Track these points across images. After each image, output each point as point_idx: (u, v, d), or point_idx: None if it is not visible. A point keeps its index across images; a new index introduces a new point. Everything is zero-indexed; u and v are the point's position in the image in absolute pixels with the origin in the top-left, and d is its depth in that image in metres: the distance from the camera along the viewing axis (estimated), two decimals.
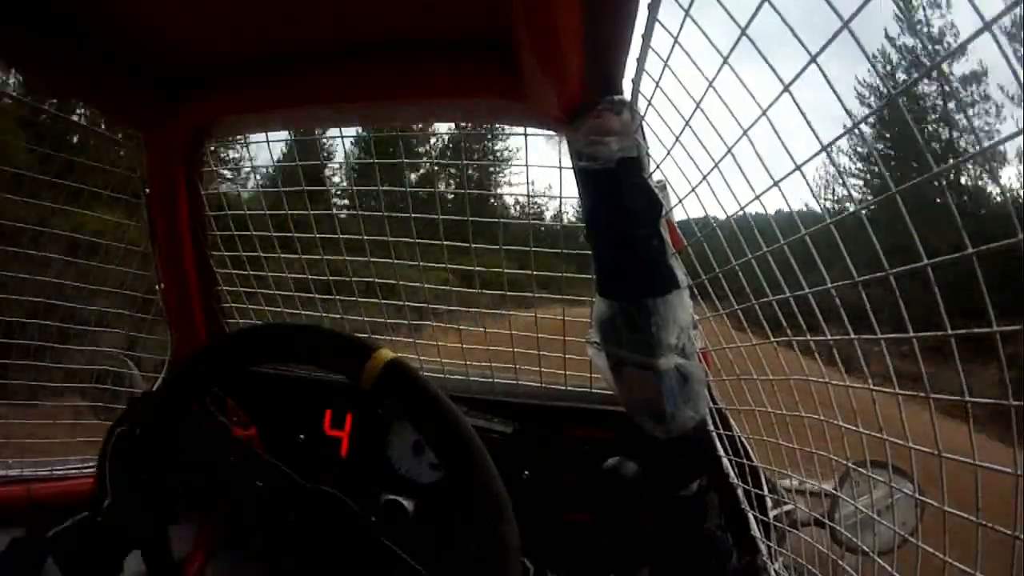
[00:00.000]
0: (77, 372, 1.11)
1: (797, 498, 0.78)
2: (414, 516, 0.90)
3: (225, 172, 1.00)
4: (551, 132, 0.77)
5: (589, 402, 0.94)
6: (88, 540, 0.69)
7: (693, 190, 0.64)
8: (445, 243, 0.93)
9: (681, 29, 0.53)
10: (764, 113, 0.51)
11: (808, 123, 0.47)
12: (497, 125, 0.98)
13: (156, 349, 1.10)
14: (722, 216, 0.63)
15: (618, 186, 0.68)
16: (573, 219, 0.87)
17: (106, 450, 0.70)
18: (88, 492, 0.74)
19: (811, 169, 0.50)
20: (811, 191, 0.50)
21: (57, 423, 1.09)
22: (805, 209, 0.61)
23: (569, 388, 0.96)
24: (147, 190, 0.99)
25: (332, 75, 0.80)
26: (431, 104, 0.82)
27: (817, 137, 0.46)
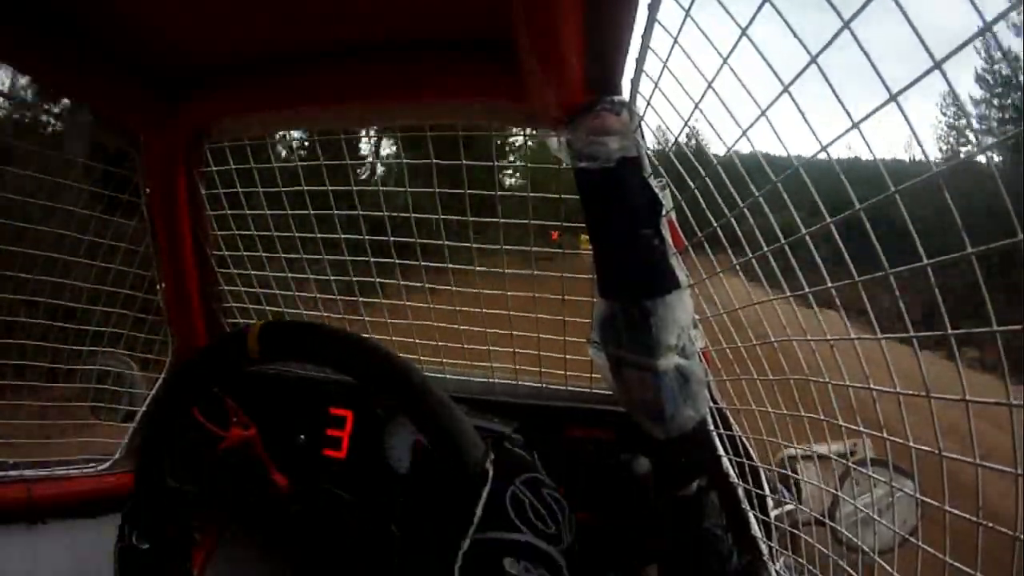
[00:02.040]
0: (77, 372, 1.11)
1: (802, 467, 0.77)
2: (412, 515, 0.89)
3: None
4: (551, 132, 0.77)
5: (589, 402, 0.94)
6: None
7: (695, 189, 0.64)
8: (446, 243, 0.93)
9: (681, 29, 0.53)
10: (763, 113, 0.51)
11: (807, 123, 0.47)
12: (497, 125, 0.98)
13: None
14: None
15: (618, 186, 0.68)
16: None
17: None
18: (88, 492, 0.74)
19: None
20: (811, 190, 0.50)
21: (57, 423, 1.09)
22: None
23: (569, 388, 0.96)
24: (147, 190, 0.99)
25: (332, 75, 0.80)
26: (431, 104, 0.82)
27: (817, 137, 0.47)
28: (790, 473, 0.77)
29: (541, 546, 0.57)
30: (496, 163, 0.86)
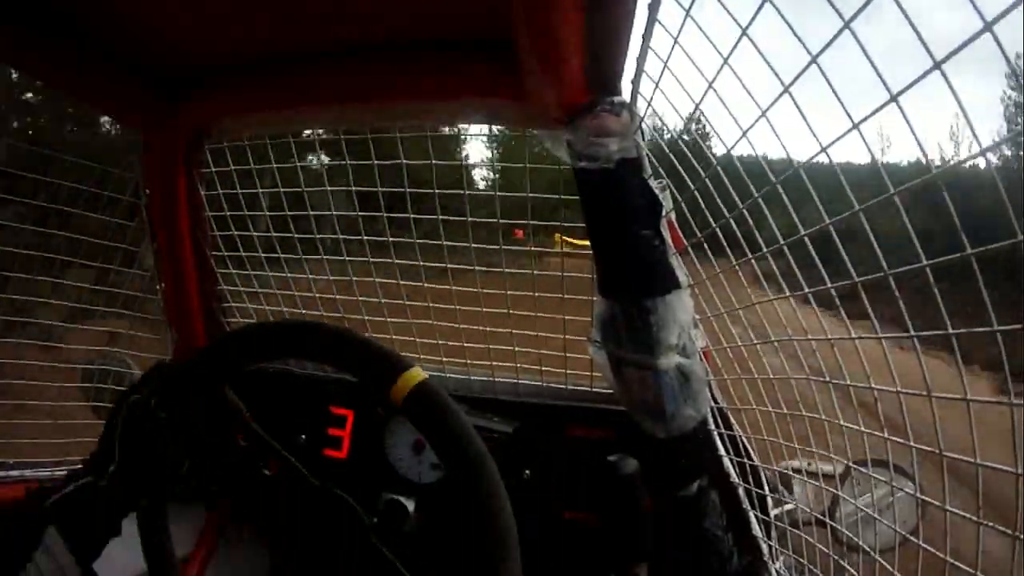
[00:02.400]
0: (78, 372, 1.12)
1: (798, 483, 0.77)
2: (414, 515, 0.90)
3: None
4: (551, 132, 0.77)
5: (590, 401, 0.94)
6: (90, 506, 0.69)
7: (695, 189, 0.65)
8: (445, 243, 0.93)
9: (681, 29, 0.53)
10: (763, 114, 0.51)
11: (807, 123, 0.47)
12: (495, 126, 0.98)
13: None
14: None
15: (618, 186, 0.68)
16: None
17: (116, 416, 0.70)
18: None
19: None
20: (811, 190, 0.51)
21: (57, 423, 1.09)
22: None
23: (570, 387, 0.96)
24: (147, 190, 0.99)
25: (332, 75, 0.80)
26: (430, 104, 0.82)
27: (817, 138, 0.47)
28: (791, 474, 0.77)
29: None
30: (495, 163, 0.86)
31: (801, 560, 0.69)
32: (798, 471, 0.74)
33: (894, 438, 0.52)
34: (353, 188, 0.99)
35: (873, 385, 0.51)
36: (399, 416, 0.95)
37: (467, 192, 0.89)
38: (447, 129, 0.93)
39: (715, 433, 0.81)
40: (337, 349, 0.62)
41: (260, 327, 0.66)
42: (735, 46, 0.50)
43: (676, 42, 0.54)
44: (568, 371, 0.95)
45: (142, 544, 0.66)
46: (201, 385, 0.66)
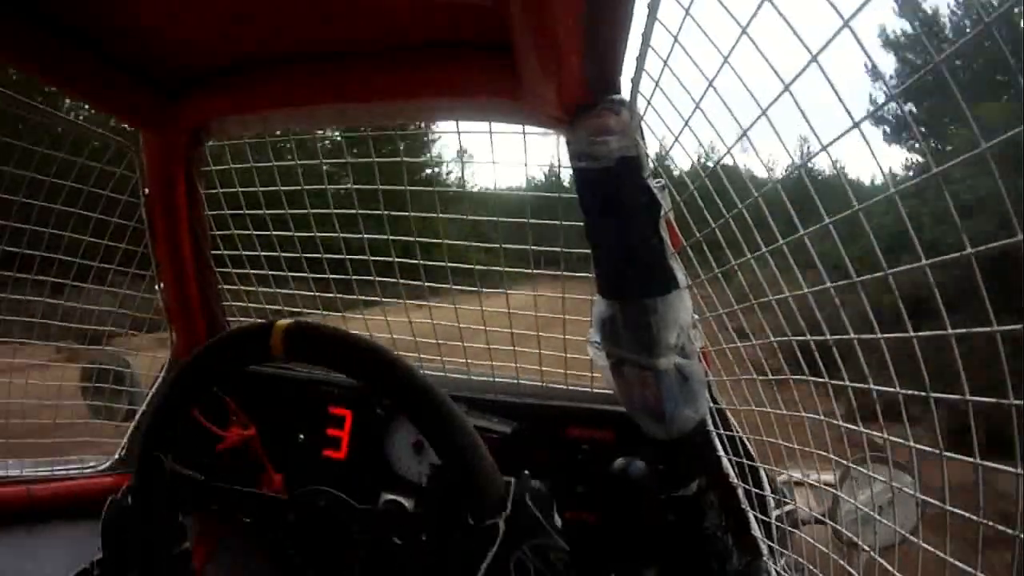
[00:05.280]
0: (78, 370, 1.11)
1: (797, 490, 0.77)
2: (414, 516, 0.90)
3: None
4: (551, 132, 0.77)
5: (590, 402, 0.94)
6: None
7: (693, 189, 0.64)
8: (446, 242, 0.93)
9: (681, 29, 0.53)
10: (764, 113, 0.51)
11: (808, 122, 0.47)
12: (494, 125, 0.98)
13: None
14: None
15: (618, 186, 0.68)
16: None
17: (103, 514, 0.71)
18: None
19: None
20: (811, 191, 0.50)
21: (57, 423, 1.08)
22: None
23: (570, 387, 0.96)
24: (147, 190, 0.99)
25: (332, 75, 0.80)
26: (430, 104, 0.82)
27: (817, 138, 0.47)
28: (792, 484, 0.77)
29: None
30: (495, 162, 0.86)
31: (801, 560, 0.69)
32: (799, 484, 0.74)
33: (894, 438, 0.52)
34: (353, 188, 0.99)
35: (873, 386, 0.51)
36: (398, 415, 0.95)
37: (466, 192, 0.89)
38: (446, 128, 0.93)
39: (714, 434, 0.81)
40: (222, 354, 0.64)
41: (170, 384, 0.68)
42: (735, 45, 0.50)
43: (676, 41, 0.54)
44: (568, 371, 0.95)
45: None
46: (148, 472, 0.66)
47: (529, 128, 0.79)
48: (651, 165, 0.69)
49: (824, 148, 0.47)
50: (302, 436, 0.98)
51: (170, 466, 0.65)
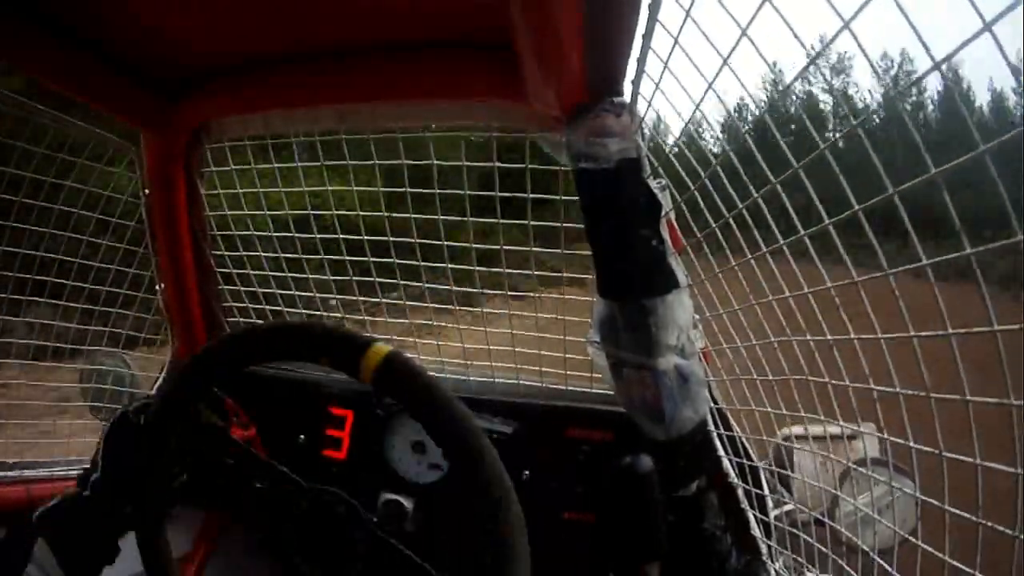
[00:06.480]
0: (78, 371, 1.11)
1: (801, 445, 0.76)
2: (414, 516, 0.90)
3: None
4: (551, 132, 0.77)
5: (590, 402, 0.94)
6: (76, 516, 0.67)
7: (693, 190, 0.64)
8: (445, 243, 0.93)
9: (681, 29, 0.53)
10: (763, 112, 0.51)
11: (808, 124, 0.47)
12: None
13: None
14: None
15: (618, 187, 0.68)
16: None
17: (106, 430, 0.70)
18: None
19: None
20: (811, 191, 0.51)
21: (57, 423, 1.09)
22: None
23: (570, 388, 0.96)
24: (147, 190, 0.99)
25: (332, 75, 0.80)
26: (431, 105, 0.82)
27: (817, 138, 0.47)
28: (792, 447, 0.75)
29: None
30: (496, 164, 0.86)
31: (800, 560, 0.69)
32: (802, 437, 0.72)
33: (894, 438, 0.52)
34: (354, 188, 0.99)
35: (873, 386, 0.51)
36: (398, 415, 0.95)
37: (467, 193, 0.89)
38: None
39: (714, 434, 0.81)
40: (300, 343, 0.61)
41: (227, 341, 0.65)
42: (735, 46, 0.50)
43: (676, 42, 0.54)
44: (568, 372, 0.95)
45: (141, 558, 0.65)
46: (174, 408, 0.65)
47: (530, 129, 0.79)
48: (651, 165, 0.69)
49: (824, 148, 0.47)
50: (302, 436, 0.98)
51: (196, 410, 0.64)
